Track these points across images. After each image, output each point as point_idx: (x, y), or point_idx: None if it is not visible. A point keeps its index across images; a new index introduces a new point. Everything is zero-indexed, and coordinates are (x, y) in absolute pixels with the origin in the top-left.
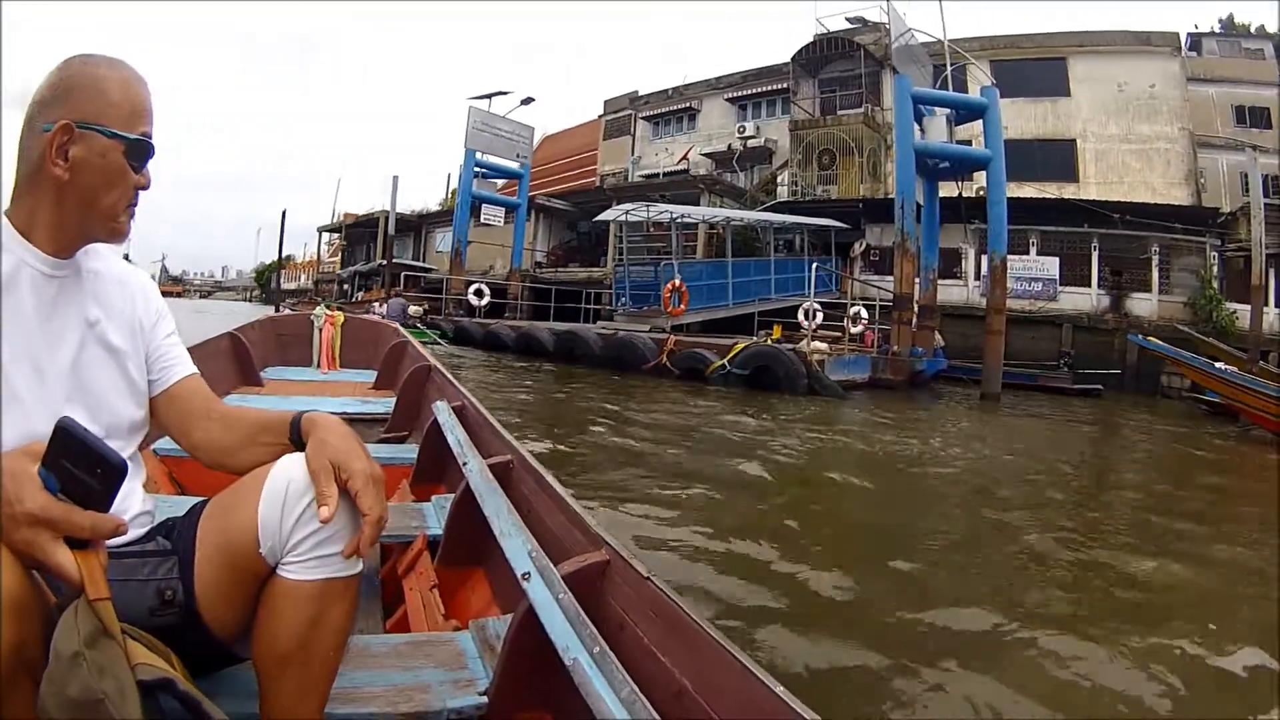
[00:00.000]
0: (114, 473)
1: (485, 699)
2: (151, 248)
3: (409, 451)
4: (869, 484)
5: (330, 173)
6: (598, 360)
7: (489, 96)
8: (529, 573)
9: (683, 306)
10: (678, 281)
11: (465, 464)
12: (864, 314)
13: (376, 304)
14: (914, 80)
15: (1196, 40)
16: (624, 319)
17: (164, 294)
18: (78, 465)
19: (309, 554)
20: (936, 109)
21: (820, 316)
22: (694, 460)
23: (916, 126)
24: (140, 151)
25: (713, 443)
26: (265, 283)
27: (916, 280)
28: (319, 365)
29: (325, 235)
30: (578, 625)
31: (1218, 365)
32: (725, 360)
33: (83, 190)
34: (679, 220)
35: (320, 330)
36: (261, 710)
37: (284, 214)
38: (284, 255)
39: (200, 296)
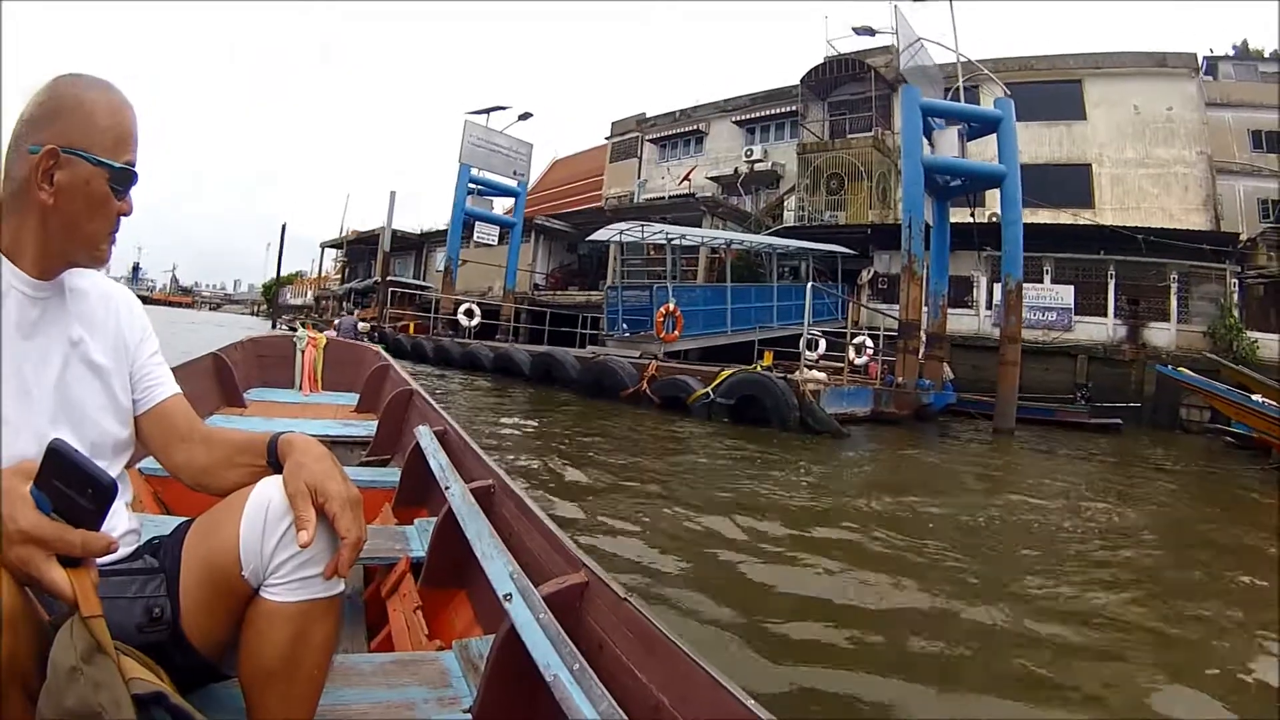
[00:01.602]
0: (104, 493)
1: (469, 716)
2: (164, 259)
3: (391, 475)
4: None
5: (350, 186)
6: (575, 385)
7: (487, 111)
8: (510, 594)
9: (677, 332)
10: (671, 306)
11: (448, 488)
12: (869, 344)
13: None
14: (923, 93)
15: (1212, 64)
16: (616, 344)
17: (173, 305)
18: (69, 485)
19: (290, 576)
20: (946, 124)
21: (823, 345)
22: (648, 509)
23: (925, 141)
24: (124, 179)
25: (677, 495)
26: (271, 297)
27: (925, 307)
28: (301, 387)
29: (330, 251)
30: (558, 644)
31: (1255, 398)
32: (709, 389)
33: (66, 216)
34: (676, 242)
35: (302, 352)
36: None
37: (284, 227)
38: (295, 271)
39: (210, 309)
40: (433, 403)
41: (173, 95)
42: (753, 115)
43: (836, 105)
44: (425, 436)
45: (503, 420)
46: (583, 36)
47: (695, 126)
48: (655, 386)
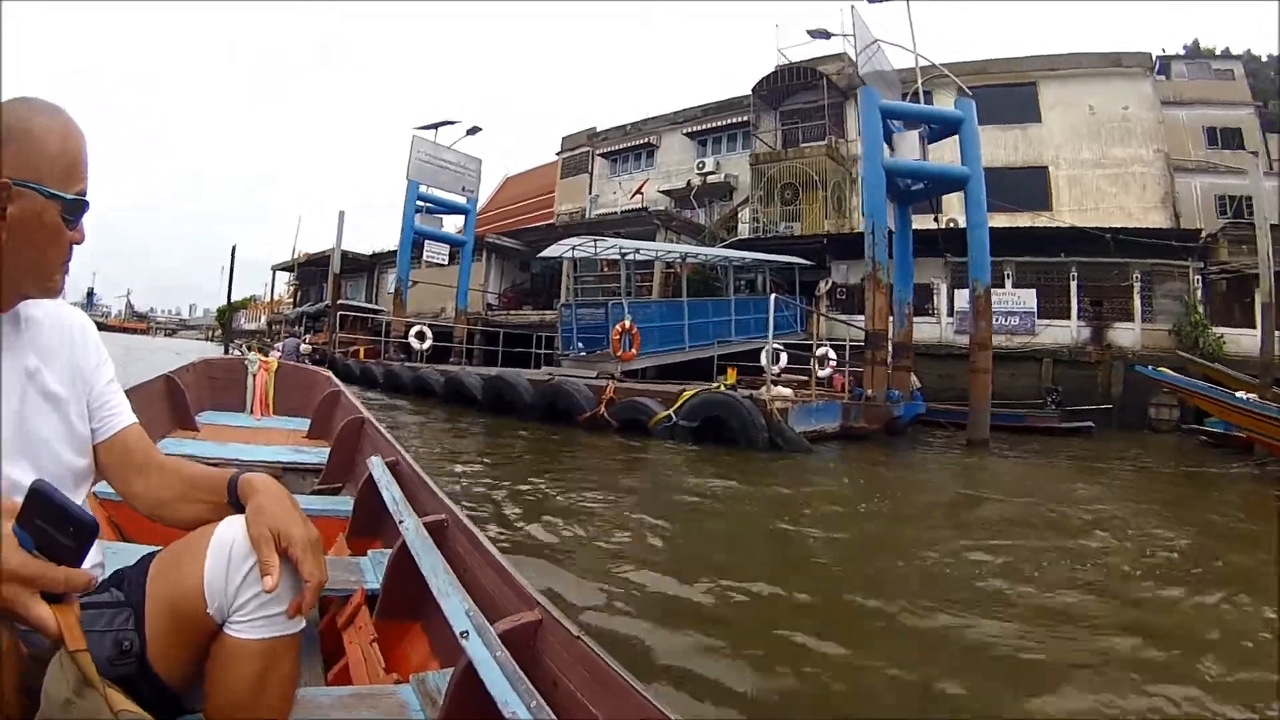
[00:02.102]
0: (86, 532)
1: None
2: (117, 283)
3: (344, 504)
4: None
5: (310, 207)
6: (530, 411)
7: (435, 126)
8: (467, 630)
9: (634, 350)
10: (627, 323)
11: (401, 522)
12: (832, 355)
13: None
14: (882, 96)
15: (1165, 64)
16: (571, 364)
17: (128, 331)
18: (51, 525)
19: (254, 614)
20: (905, 127)
21: (784, 359)
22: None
23: (885, 146)
24: (76, 209)
25: (638, 527)
26: (226, 323)
27: (891, 316)
28: (252, 411)
29: (284, 275)
30: (515, 682)
31: (1239, 395)
32: (671, 410)
33: (19, 248)
34: (631, 257)
35: (254, 375)
36: None
37: (233, 249)
38: (250, 295)
39: (165, 334)
40: (384, 432)
41: (133, 90)
42: (704, 126)
43: (789, 114)
44: (378, 468)
45: (457, 451)
46: (533, 45)
47: (646, 140)
48: (614, 410)
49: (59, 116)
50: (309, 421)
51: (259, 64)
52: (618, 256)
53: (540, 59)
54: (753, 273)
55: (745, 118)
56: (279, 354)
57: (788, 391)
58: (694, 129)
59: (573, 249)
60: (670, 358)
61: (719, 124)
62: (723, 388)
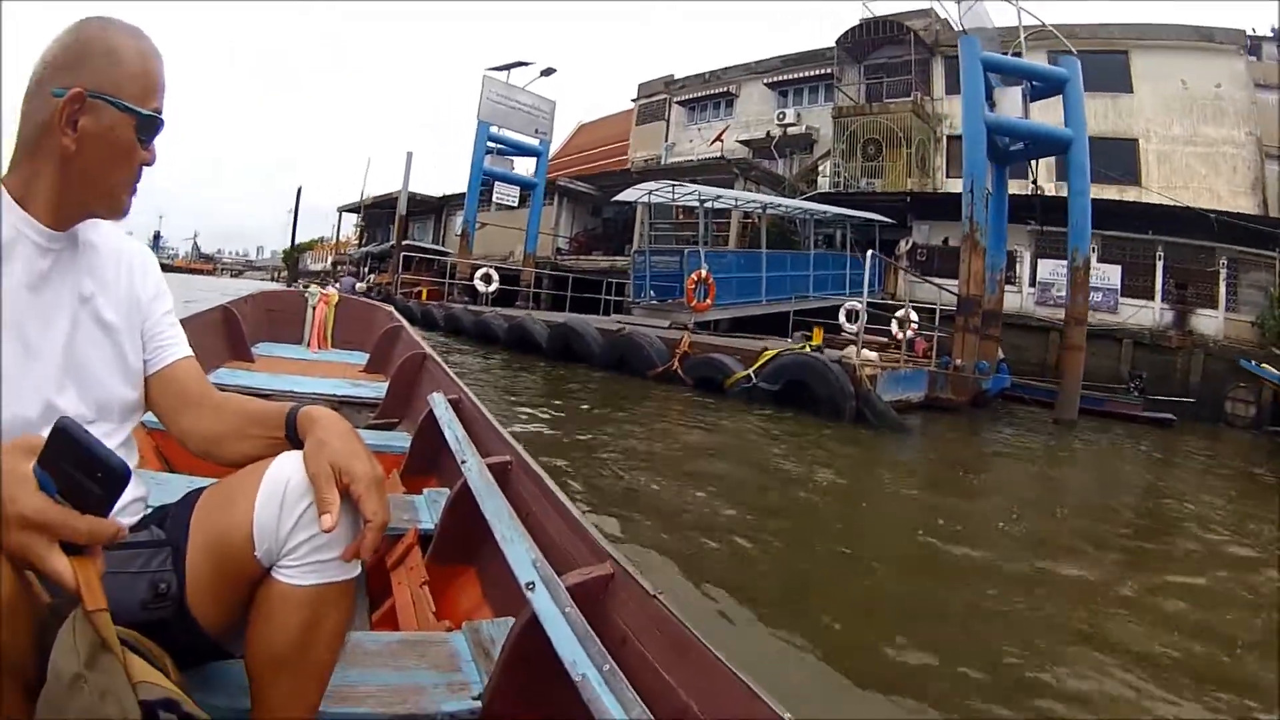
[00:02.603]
0: (116, 479)
1: (479, 704)
2: (184, 224)
3: (400, 440)
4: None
5: (372, 149)
6: (598, 361)
7: (508, 68)
8: (533, 582)
9: (709, 301)
10: (704, 272)
11: (464, 461)
12: (914, 317)
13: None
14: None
15: (1256, 44)
16: (643, 312)
17: (194, 272)
18: (77, 468)
19: (306, 558)
20: (1002, 83)
21: (864, 318)
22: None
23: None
24: (150, 127)
25: (715, 489)
26: (293, 263)
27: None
28: (309, 344)
29: (351, 216)
30: (586, 641)
31: None
32: (750, 370)
33: (88, 163)
34: (710, 205)
35: (314, 309)
36: (253, 712)
37: (299, 191)
38: (317, 237)
39: (232, 275)
40: (446, 369)
41: (188, 80)
42: (785, 77)
43: (873, 69)
44: (440, 405)
45: (514, 397)
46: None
47: (725, 89)
48: (688, 365)
49: (139, 37)
50: (367, 356)
51: (274, 31)
52: (696, 203)
53: (616, 10)
54: (831, 228)
55: (827, 69)
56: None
57: (874, 356)
58: (775, 79)
59: (649, 194)
60: (745, 311)
61: (800, 75)
62: (808, 348)
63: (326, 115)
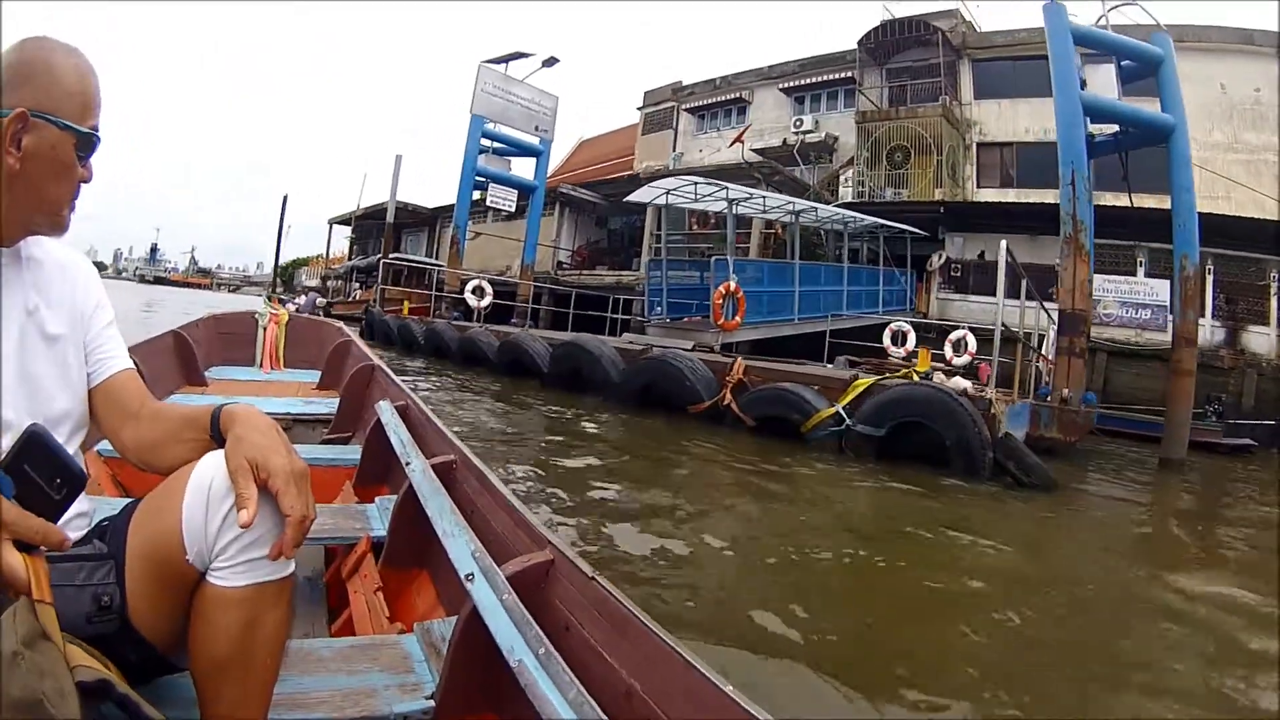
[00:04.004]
0: (74, 484)
1: (432, 702)
2: (183, 240)
3: (353, 453)
4: None
5: (367, 164)
6: (616, 392)
7: (505, 60)
8: (472, 574)
9: (738, 318)
10: (732, 284)
11: (408, 464)
12: (971, 341)
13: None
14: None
15: None
16: (658, 332)
17: (191, 286)
18: (39, 472)
19: (236, 559)
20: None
21: (912, 340)
22: None
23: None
24: (89, 145)
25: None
26: (287, 279)
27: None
28: (262, 365)
29: (340, 229)
30: (522, 626)
31: None
32: (840, 408)
33: (32, 181)
34: (738, 209)
35: (264, 329)
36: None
37: (284, 199)
38: (316, 254)
39: (229, 290)
40: (394, 378)
41: (158, 85)
42: (802, 82)
43: (896, 71)
44: (386, 412)
45: (504, 445)
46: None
47: (737, 95)
48: (746, 401)
49: (75, 55)
50: (319, 373)
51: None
52: (722, 204)
53: (623, 13)
54: (857, 241)
55: (847, 73)
56: (297, 308)
57: (967, 385)
58: (790, 84)
59: (667, 193)
60: (777, 330)
61: (818, 79)
62: (915, 377)
63: (311, 122)
